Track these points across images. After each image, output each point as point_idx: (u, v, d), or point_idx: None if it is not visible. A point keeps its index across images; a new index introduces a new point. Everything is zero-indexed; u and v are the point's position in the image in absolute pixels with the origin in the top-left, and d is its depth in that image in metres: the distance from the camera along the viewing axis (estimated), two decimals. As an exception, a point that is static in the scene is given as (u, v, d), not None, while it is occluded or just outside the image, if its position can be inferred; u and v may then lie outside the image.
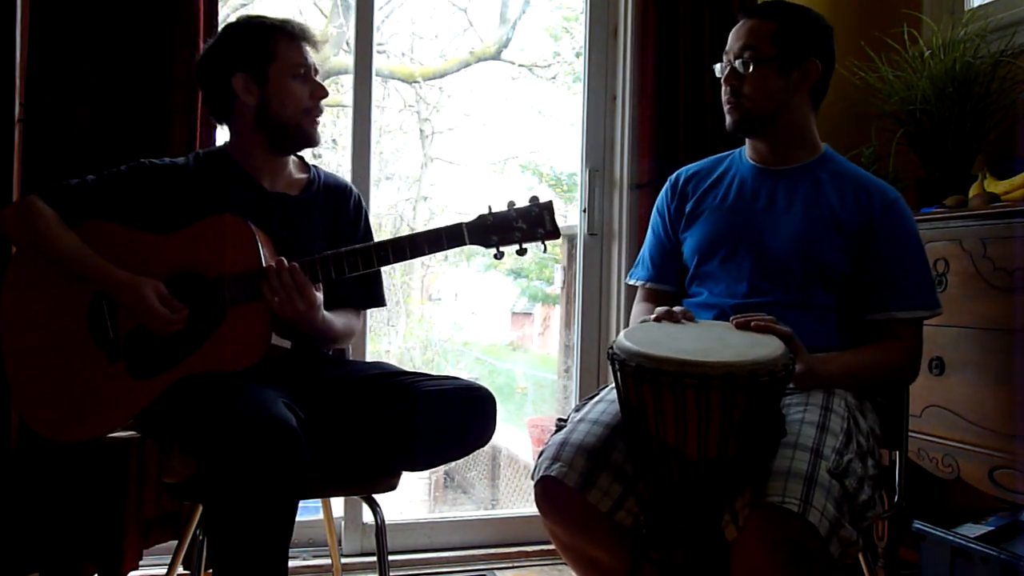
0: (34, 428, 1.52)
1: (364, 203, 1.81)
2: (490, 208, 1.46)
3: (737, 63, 1.58)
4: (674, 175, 1.79)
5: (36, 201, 1.55)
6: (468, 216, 1.47)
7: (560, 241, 3.34)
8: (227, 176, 1.64)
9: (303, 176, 1.73)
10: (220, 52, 1.63)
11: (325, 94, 1.64)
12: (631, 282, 1.82)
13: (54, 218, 1.54)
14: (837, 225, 1.55)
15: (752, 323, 1.33)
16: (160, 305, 1.47)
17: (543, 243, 1.46)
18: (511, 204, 1.46)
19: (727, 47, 1.62)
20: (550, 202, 1.45)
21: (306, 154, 1.78)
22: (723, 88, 1.62)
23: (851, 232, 1.55)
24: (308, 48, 1.64)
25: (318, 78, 1.65)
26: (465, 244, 1.46)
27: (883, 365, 1.52)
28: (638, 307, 1.76)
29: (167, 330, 1.48)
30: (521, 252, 1.46)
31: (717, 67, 1.65)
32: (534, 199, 1.46)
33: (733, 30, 1.63)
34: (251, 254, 1.49)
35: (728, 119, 1.63)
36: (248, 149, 1.66)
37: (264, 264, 1.48)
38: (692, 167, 1.78)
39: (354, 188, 1.81)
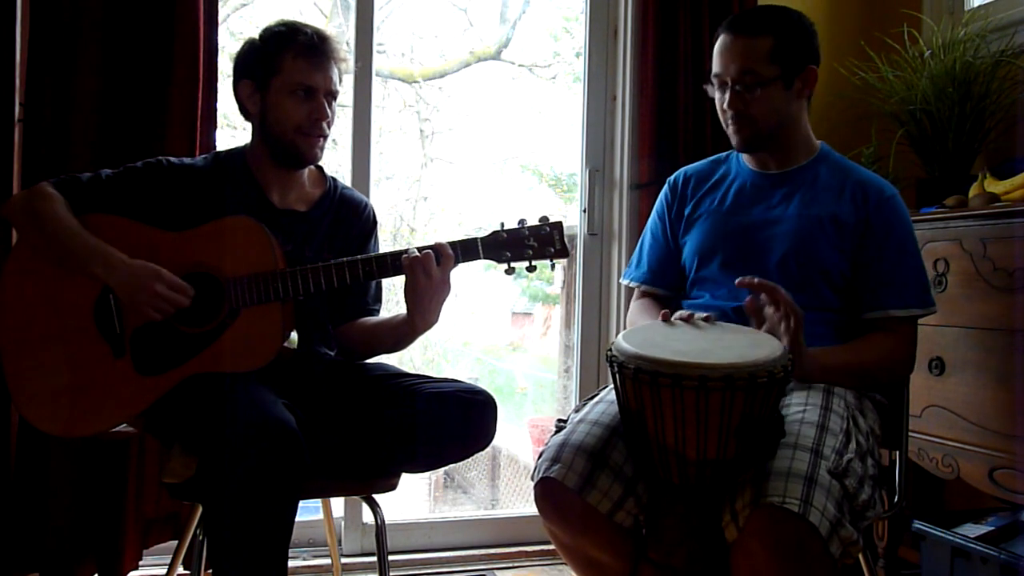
0: (33, 423, 1.50)
1: (376, 223, 1.76)
2: (503, 225, 1.48)
3: (738, 87, 1.53)
4: (672, 178, 1.78)
5: (46, 187, 1.53)
6: (482, 231, 1.49)
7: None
8: (238, 185, 1.62)
9: (317, 190, 1.70)
10: (240, 54, 1.62)
11: (324, 116, 1.58)
12: (625, 282, 1.81)
13: (61, 202, 1.51)
14: (835, 225, 1.55)
15: (757, 281, 1.35)
16: (159, 285, 1.43)
17: (552, 261, 1.48)
18: (522, 222, 1.48)
19: (720, 68, 1.55)
20: (560, 222, 1.47)
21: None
22: (722, 111, 1.58)
23: (848, 231, 1.55)
24: (329, 65, 1.57)
25: (335, 97, 1.59)
26: (480, 259, 1.49)
27: (877, 358, 1.51)
28: (635, 309, 1.76)
29: (166, 310, 1.45)
30: (531, 269, 1.49)
31: (710, 88, 1.60)
32: (544, 218, 1.48)
33: (724, 48, 1.54)
34: (265, 256, 1.49)
35: (735, 139, 1.58)
36: (260, 158, 1.64)
37: (278, 267, 1.48)
38: (690, 169, 1.77)
39: (370, 206, 1.76)
